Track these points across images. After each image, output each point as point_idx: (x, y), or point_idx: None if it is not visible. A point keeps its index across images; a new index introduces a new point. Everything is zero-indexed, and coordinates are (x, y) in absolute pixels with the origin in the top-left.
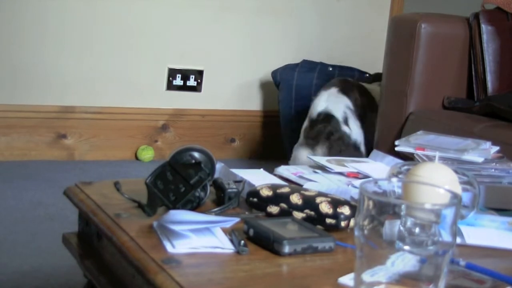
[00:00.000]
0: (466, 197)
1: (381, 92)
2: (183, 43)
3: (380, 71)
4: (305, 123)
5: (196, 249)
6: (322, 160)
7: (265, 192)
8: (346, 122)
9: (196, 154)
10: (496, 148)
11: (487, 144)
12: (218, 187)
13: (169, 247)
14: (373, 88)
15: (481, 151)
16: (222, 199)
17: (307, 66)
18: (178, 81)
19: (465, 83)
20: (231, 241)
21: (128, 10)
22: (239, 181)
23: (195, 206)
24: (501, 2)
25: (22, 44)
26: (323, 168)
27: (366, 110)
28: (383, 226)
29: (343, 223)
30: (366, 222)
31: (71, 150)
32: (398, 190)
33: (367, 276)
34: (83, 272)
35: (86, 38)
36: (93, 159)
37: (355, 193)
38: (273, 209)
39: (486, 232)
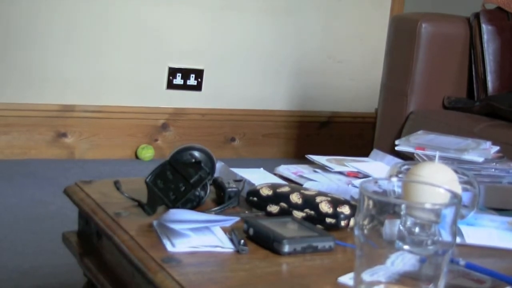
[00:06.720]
0: (466, 197)
1: (380, 92)
2: (184, 42)
3: (381, 71)
4: None
5: (196, 248)
6: (322, 159)
7: (265, 191)
8: None
9: (196, 153)
10: (496, 148)
11: (487, 144)
12: (218, 186)
13: (169, 246)
14: None
15: (481, 151)
16: (222, 198)
17: None
18: (178, 80)
19: (465, 83)
20: (231, 240)
21: (129, 9)
22: (239, 180)
23: (195, 205)
24: (501, 1)
25: (22, 42)
26: (323, 168)
27: None
28: (383, 225)
29: (343, 223)
30: (366, 222)
31: (71, 148)
32: (398, 190)
33: (367, 276)
34: (83, 271)
35: (86, 37)
36: (93, 158)
37: (355, 192)
38: (273, 208)
39: (486, 232)
